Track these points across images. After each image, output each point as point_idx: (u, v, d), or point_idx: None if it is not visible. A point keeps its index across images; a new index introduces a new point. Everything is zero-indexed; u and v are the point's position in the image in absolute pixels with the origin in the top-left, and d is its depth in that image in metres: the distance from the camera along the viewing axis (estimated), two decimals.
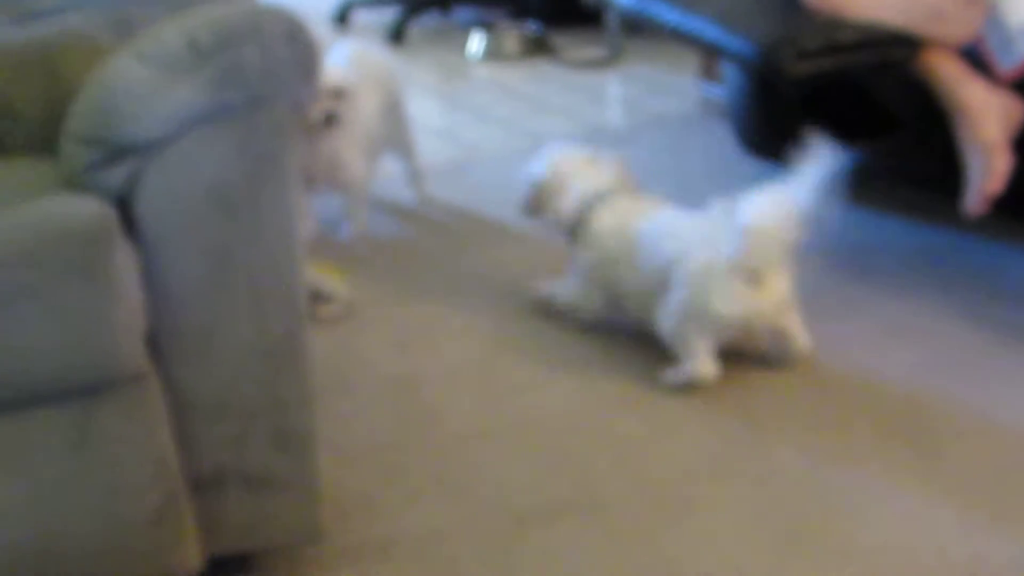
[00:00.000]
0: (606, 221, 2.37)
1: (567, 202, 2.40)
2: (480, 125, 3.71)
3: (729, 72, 3.01)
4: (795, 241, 2.15)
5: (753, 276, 2.16)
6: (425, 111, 3.86)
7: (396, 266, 2.76)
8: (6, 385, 1.46)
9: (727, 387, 2.20)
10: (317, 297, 2.48)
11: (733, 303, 2.17)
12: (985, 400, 2.13)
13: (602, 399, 2.20)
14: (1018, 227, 2.70)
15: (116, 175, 1.52)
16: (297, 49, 1.57)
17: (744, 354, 2.27)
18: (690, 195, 3.03)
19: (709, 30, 2.37)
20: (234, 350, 1.59)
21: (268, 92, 1.55)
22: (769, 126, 2.98)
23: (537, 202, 2.48)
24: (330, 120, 2.70)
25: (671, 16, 2.47)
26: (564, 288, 2.46)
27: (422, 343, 2.41)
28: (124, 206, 1.53)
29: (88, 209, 1.48)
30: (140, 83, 1.50)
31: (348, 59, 2.88)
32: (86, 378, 1.49)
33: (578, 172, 2.44)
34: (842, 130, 3.06)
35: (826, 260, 2.66)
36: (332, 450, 2.03)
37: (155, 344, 1.56)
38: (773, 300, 2.19)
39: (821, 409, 2.14)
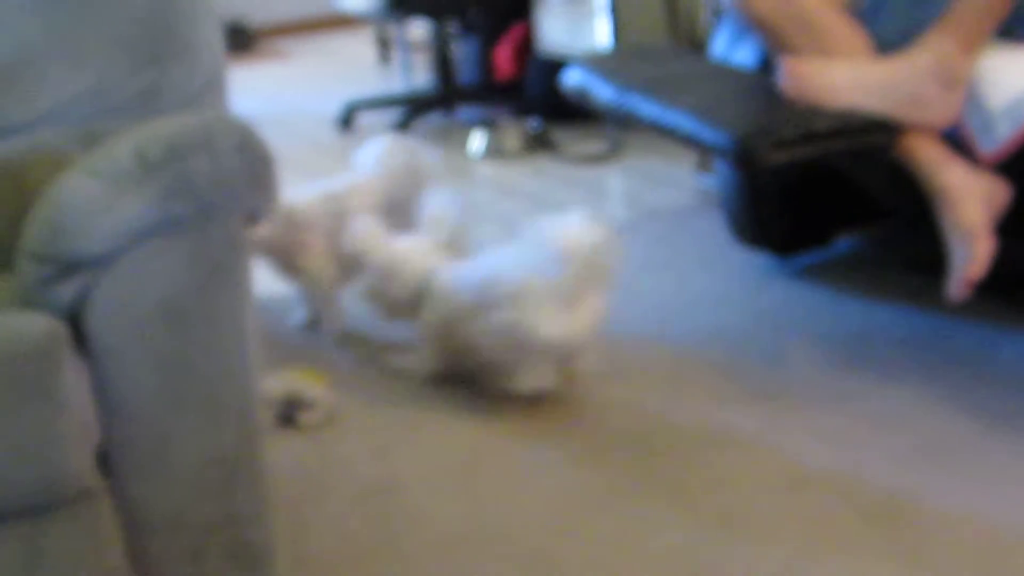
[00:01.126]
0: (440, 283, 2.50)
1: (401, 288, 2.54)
2: (477, 223, 3.70)
3: (719, 163, 3.01)
4: (611, 262, 2.21)
5: (571, 298, 2.20)
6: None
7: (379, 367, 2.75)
8: None
9: (704, 487, 2.17)
10: (299, 404, 2.46)
11: (552, 326, 2.23)
12: (969, 489, 2.09)
13: (586, 498, 2.17)
14: (1005, 310, 2.68)
15: (67, 291, 1.52)
16: (248, 159, 1.57)
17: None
18: (682, 285, 3.04)
19: (686, 122, 2.37)
20: (189, 464, 1.58)
21: (219, 203, 1.55)
22: (757, 216, 2.97)
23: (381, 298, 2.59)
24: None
25: (650, 110, 2.47)
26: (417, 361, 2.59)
27: (404, 446, 2.39)
28: (76, 321, 1.53)
29: (37, 327, 1.48)
30: (89, 198, 1.50)
31: (382, 150, 3.02)
32: (35, 497, 1.48)
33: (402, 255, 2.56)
34: (833, 217, 3.07)
35: (817, 349, 2.64)
36: (303, 561, 2.02)
37: (108, 459, 1.54)
38: (588, 323, 2.26)
39: (801, 504, 2.10)
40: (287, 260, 2.88)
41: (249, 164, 1.57)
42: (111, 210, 1.50)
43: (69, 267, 1.51)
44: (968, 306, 2.49)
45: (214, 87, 1.97)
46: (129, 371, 1.54)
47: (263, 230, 2.75)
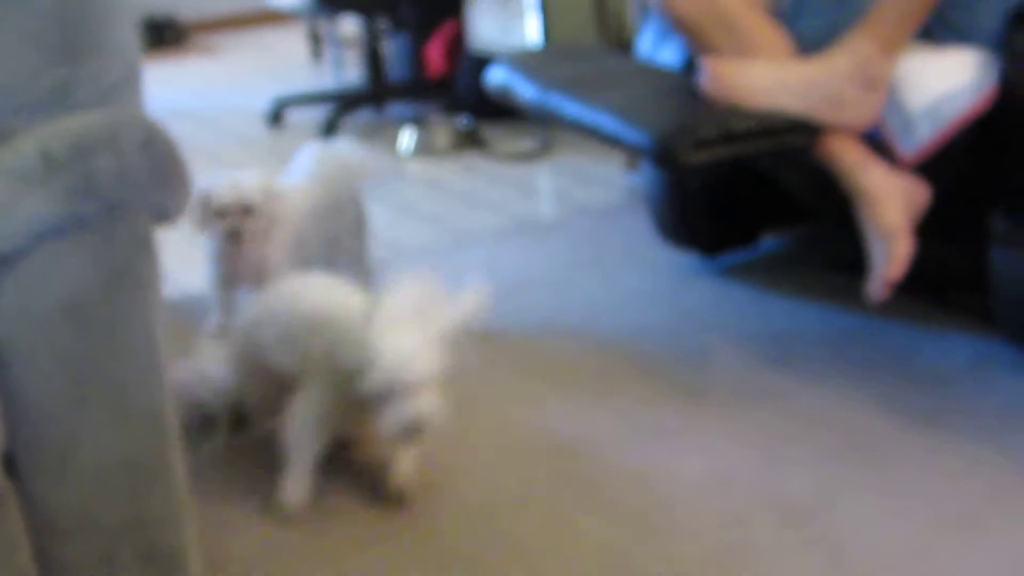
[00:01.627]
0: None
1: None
2: (405, 221, 3.69)
3: (645, 163, 3.01)
4: (438, 367, 2.01)
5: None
6: None
7: None
8: None
9: (624, 485, 2.17)
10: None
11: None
12: (890, 488, 2.10)
13: (504, 499, 2.16)
14: (927, 310, 2.70)
15: None
16: (155, 156, 1.54)
17: None
18: (609, 283, 3.04)
19: (607, 122, 2.36)
20: (96, 467, 1.55)
21: (125, 201, 1.52)
22: (681, 215, 2.97)
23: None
24: (234, 236, 2.71)
25: (571, 109, 2.46)
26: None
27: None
28: None
29: None
30: None
31: (312, 159, 2.94)
32: None
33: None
34: (758, 217, 3.08)
35: (741, 348, 2.64)
36: (220, 564, 2.00)
37: (13, 461, 1.51)
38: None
39: (721, 502, 2.10)
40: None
41: (155, 162, 1.54)
42: (13, 209, 1.46)
43: None
44: (891, 306, 2.50)
45: (129, 84, 1.92)
46: (33, 371, 1.51)
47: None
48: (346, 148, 3.04)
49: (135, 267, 1.54)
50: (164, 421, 1.59)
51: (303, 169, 2.95)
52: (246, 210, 2.70)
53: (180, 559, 1.63)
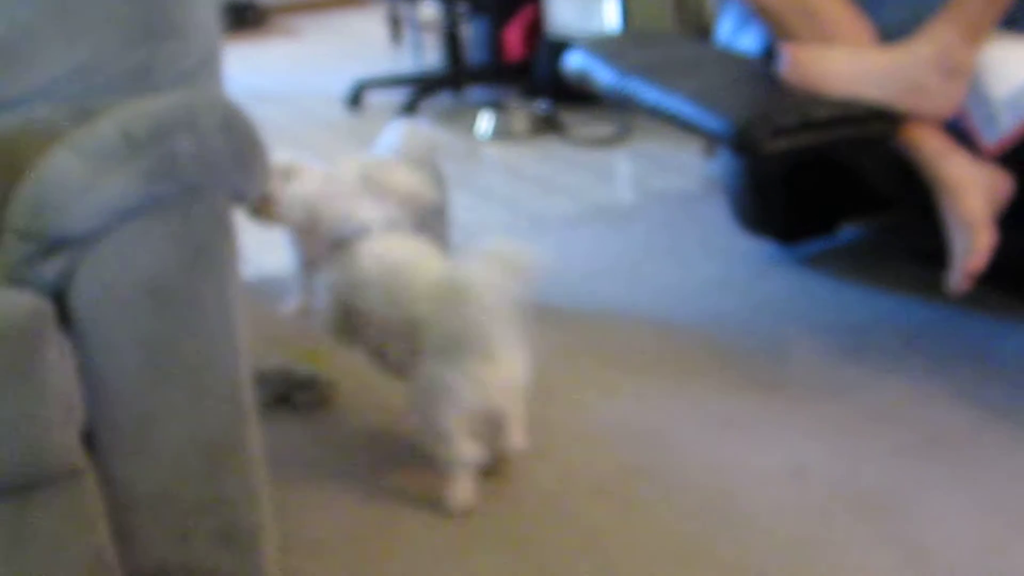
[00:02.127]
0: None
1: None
2: (483, 205, 3.69)
3: (723, 150, 2.99)
4: (517, 305, 1.96)
5: (481, 351, 1.98)
6: None
7: None
8: None
9: (701, 473, 2.16)
10: (295, 384, 2.45)
11: (464, 383, 1.99)
12: (966, 482, 2.07)
13: (580, 486, 2.16)
14: (1008, 302, 2.66)
15: (51, 268, 1.51)
16: (233, 138, 1.56)
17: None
18: (684, 270, 3.03)
19: (686, 108, 2.35)
20: (174, 444, 1.57)
21: (203, 182, 1.54)
22: (759, 203, 2.95)
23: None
24: (264, 200, 2.61)
25: (649, 95, 2.45)
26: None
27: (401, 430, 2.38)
28: (61, 299, 1.52)
29: (21, 304, 1.47)
30: (73, 176, 1.49)
31: (399, 136, 2.86)
32: (19, 475, 1.47)
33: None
34: (838, 206, 3.06)
35: (818, 339, 2.62)
36: (296, 544, 2.01)
37: (93, 439, 1.53)
38: (503, 382, 2.02)
39: (797, 493, 2.09)
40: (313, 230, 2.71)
41: (233, 144, 1.55)
42: (96, 188, 1.49)
43: (52, 245, 1.50)
44: (971, 298, 2.47)
45: (208, 66, 1.95)
46: (113, 350, 1.53)
47: (296, 196, 2.56)
48: (431, 129, 2.99)
49: (213, 247, 1.56)
50: (242, 400, 1.61)
51: (389, 146, 2.91)
52: (286, 173, 2.63)
53: (255, 538, 1.65)
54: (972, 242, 2.27)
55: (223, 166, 1.55)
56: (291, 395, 2.46)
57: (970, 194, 2.28)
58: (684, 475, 2.17)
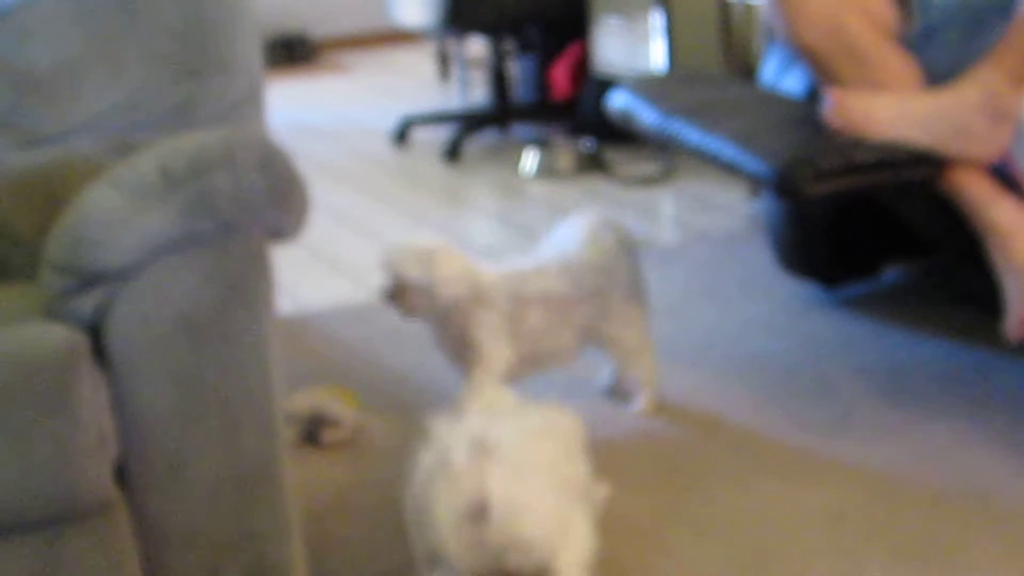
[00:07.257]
0: None
1: None
2: (527, 244, 3.69)
3: (766, 191, 2.98)
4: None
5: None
6: (475, 230, 3.93)
7: (411, 391, 2.73)
8: None
9: (740, 517, 2.14)
10: (323, 421, 2.45)
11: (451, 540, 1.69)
12: (1006, 532, 2.04)
13: (621, 528, 2.15)
14: None
15: (88, 302, 1.52)
16: (271, 176, 1.56)
17: None
18: (726, 311, 3.01)
19: (728, 150, 2.34)
20: (206, 480, 1.57)
21: (240, 219, 1.54)
22: (802, 245, 2.94)
23: None
24: (401, 289, 2.35)
25: (692, 136, 2.44)
26: None
27: None
28: (97, 333, 1.53)
29: (57, 337, 1.48)
30: (111, 211, 1.50)
31: (577, 235, 2.50)
32: (51, 508, 1.48)
33: None
34: (880, 248, 3.04)
35: (859, 382, 2.60)
36: None
37: (125, 473, 1.54)
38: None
39: (836, 538, 2.07)
40: (458, 333, 2.42)
41: (271, 181, 1.56)
42: (133, 223, 1.50)
43: (89, 279, 1.51)
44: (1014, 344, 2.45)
45: (251, 101, 1.97)
46: (147, 385, 1.53)
47: (440, 297, 2.34)
48: (615, 226, 2.55)
49: (248, 283, 1.57)
50: (273, 438, 1.61)
51: (574, 237, 2.51)
52: (398, 279, 2.35)
53: (287, 574, 1.65)
54: None
55: (260, 203, 1.55)
56: (318, 432, 2.45)
57: (1019, 239, 2.26)
58: (723, 515, 2.15)
